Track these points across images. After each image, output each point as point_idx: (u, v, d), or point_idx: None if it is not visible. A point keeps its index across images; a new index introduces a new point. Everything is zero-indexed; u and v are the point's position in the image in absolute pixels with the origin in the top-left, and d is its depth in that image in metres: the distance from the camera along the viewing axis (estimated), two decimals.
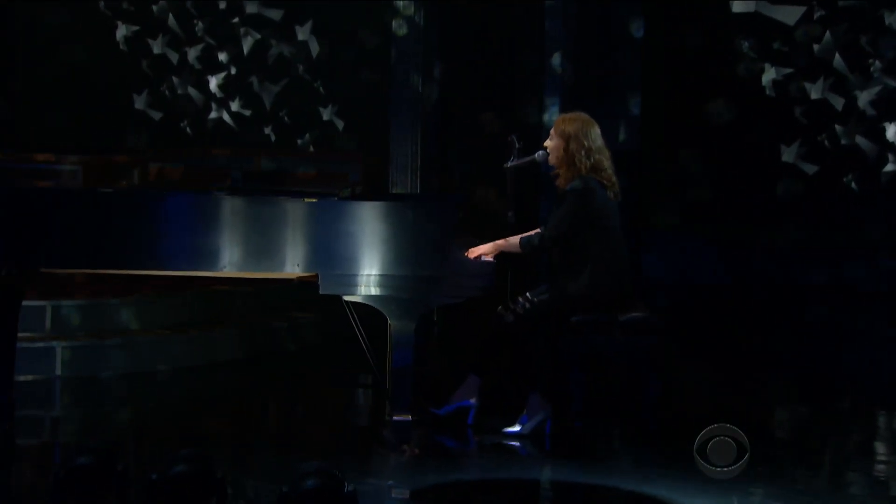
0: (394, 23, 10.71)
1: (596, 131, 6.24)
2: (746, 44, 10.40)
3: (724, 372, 8.05)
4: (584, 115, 6.29)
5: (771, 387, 7.75)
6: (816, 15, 10.16)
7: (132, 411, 7.07)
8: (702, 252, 10.77)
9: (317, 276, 6.10)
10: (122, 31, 11.64)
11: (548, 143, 6.31)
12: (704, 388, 7.49)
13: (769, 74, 10.34)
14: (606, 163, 6.25)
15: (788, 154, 10.38)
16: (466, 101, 11.04)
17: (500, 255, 6.30)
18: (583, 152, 6.17)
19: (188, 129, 11.73)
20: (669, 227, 10.88)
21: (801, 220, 10.41)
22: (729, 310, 10.18)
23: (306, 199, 6.08)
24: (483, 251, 6.24)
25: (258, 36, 11.46)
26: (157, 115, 11.74)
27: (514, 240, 6.28)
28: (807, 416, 7.17)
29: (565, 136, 6.21)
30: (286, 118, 11.53)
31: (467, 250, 6.29)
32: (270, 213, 6.07)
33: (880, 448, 6.64)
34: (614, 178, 6.29)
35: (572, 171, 6.22)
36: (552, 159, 6.29)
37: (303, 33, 11.39)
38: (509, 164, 6.46)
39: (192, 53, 11.63)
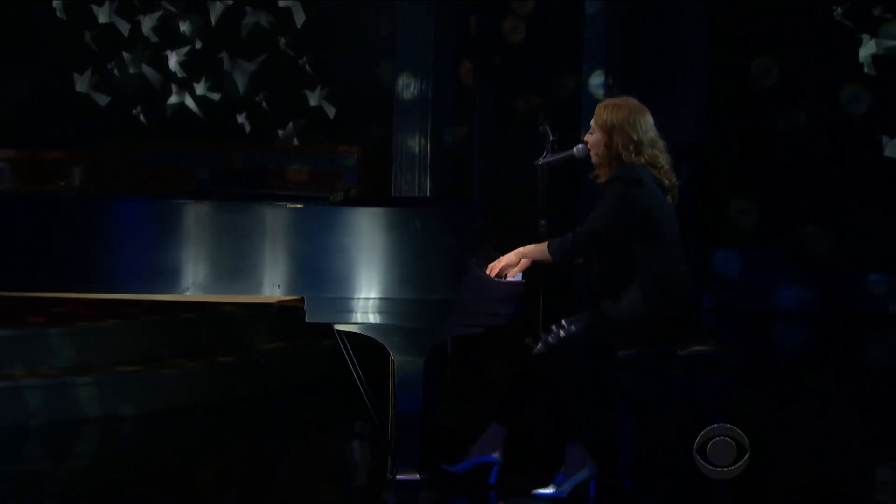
0: None
1: (648, 121, 6.27)
2: (840, 10, 10.44)
3: (809, 420, 8.06)
4: (632, 101, 6.32)
5: (869, 440, 7.77)
6: None
7: (74, 468, 7.11)
8: (783, 270, 10.79)
9: (302, 300, 6.15)
10: None
11: (588, 136, 6.35)
12: (784, 440, 7.52)
13: (868, 48, 10.38)
14: (662, 158, 6.28)
15: (892, 148, 10.41)
16: (488, 83, 11.10)
17: (531, 274, 6.32)
18: (631, 147, 6.21)
19: (142, 118, 11.81)
20: (741, 238, 10.90)
21: None
22: (818, 342, 10.18)
23: (289, 206, 6.13)
24: (506, 264, 6.24)
25: (229, 1, 11.54)
26: (103, 100, 11.83)
27: (540, 245, 6.26)
28: None
29: (608, 128, 6.25)
30: (264, 104, 11.60)
31: (489, 268, 6.33)
32: (245, 222, 6.12)
33: None
34: (673, 178, 6.31)
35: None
36: (593, 157, 6.32)
37: None
38: (542, 160, 6.50)
39: (148, 23, 11.72)
